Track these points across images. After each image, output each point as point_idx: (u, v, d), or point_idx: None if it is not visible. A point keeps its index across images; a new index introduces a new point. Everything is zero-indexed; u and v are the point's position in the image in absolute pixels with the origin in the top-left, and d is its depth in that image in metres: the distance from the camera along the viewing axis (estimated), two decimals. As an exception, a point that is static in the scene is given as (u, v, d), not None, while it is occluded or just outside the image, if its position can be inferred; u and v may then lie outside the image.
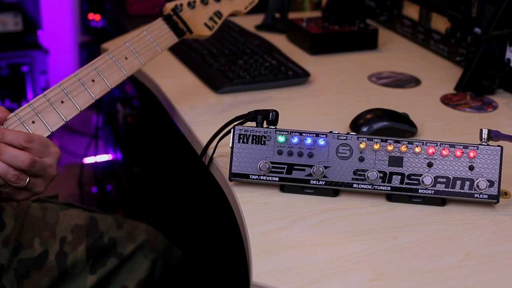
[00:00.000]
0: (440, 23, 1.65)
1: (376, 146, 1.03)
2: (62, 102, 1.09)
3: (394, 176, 1.02)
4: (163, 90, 1.44)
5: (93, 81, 1.13)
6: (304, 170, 1.04)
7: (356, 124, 1.23)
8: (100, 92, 1.14)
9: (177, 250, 1.46)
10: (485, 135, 1.02)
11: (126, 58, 1.19)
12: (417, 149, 1.02)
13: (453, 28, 1.57)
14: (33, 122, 1.05)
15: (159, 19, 1.26)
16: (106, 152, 2.82)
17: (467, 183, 1.01)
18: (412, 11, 1.76)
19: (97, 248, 1.31)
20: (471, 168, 1.01)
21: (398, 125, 1.23)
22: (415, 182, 1.02)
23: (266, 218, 0.99)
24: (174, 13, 1.27)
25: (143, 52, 1.21)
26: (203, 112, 1.34)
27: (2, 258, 1.21)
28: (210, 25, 1.31)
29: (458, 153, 1.01)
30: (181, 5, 1.28)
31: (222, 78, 1.46)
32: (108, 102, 2.65)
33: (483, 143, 1.01)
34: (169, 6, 1.28)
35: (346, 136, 1.04)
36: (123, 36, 1.84)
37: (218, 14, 1.32)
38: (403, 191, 1.02)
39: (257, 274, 0.86)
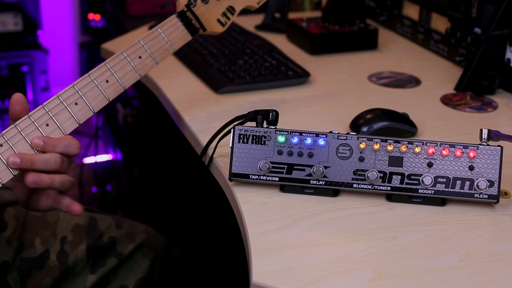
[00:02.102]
0: (440, 23, 1.65)
1: (376, 146, 1.03)
2: (76, 104, 1.05)
3: (394, 176, 1.02)
4: (163, 90, 1.44)
5: (107, 81, 1.09)
6: (304, 170, 1.04)
7: (356, 124, 1.23)
8: (114, 93, 1.10)
9: (175, 250, 1.46)
10: (485, 135, 1.02)
11: (140, 57, 1.15)
12: (417, 149, 1.02)
13: (453, 28, 1.57)
14: (47, 125, 1.02)
15: (173, 16, 1.21)
16: (106, 152, 2.82)
17: (467, 183, 1.01)
18: (412, 11, 1.76)
19: (97, 247, 1.31)
20: (471, 168, 1.01)
21: (398, 125, 1.23)
22: (415, 182, 1.02)
23: (266, 218, 0.99)
24: (188, 8, 1.22)
25: (157, 52, 1.17)
26: (203, 112, 1.34)
27: (6, 255, 1.22)
28: (223, 21, 1.27)
29: (458, 153, 1.01)
30: (195, 0, 1.23)
31: (222, 78, 1.46)
32: (108, 102, 2.65)
33: (483, 143, 1.01)
34: (182, 2, 1.22)
35: (346, 136, 1.04)
36: (123, 36, 1.84)
37: (231, 9, 1.27)
38: (403, 191, 1.02)
39: (257, 274, 0.86)
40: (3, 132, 0.98)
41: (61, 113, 1.04)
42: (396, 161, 1.02)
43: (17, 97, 1.00)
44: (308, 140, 1.04)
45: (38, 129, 1.01)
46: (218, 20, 1.27)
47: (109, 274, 1.32)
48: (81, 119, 1.06)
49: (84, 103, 1.06)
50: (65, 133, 1.04)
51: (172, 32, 1.20)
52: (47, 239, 1.28)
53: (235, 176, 1.06)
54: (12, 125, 0.99)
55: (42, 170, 0.97)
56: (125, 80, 1.12)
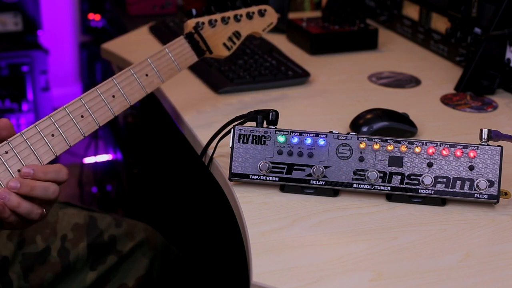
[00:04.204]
0: (440, 23, 1.65)
1: (376, 146, 1.03)
2: (82, 116, 1.07)
3: (394, 176, 1.02)
4: (163, 90, 1.44)
5: (113, 97, 1.12)
6: (304, 170, 1.04)
7: (356, 124, 1.23)
8: (120, 108, 1.13)
9: (175, 249, 1.47)
10: (485, 135, 1.02)
11: (147, 75, 1.18)
12: (417, 149, 1.02)
13: (453, 28, 1.57)
14: (53, 135, 1.04)
15: (181, 37, 1.24)
16: (106, 152, 2.82)
17: (467, 183, 1.01)
18: (412, 11, 1.77)
19: (97, 245, 1.32)
20: (471, 168, 1.01)
21: (398, 125, 1.23)
22: (415, 182, 1.02)
23: (266, 218, 0.99)
24: (196, 31, 1.25)
25: (164, 71, 1.20)
26: (203, 112, 1.34)
27: (7, 251, 1.23)
28: (228, 45, 1.30)
29: (458, 153, 1.01)
30: (203, 23, 1.27)
31: (222, 78, 1.46)
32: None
33: (483, 143, 1.01)
34: (190, 24, 1.26)
35: (346, 136, 1.04)
36: (123, 36, 1.84)
37: (237, 34, 1.30)
38: (403, 191, 1.02)
39: (257, 274, 0.86)
40: (9, 139, 1.00)
41: (67, 124, 1.06)
42: (396, 161, 1.02)
43: (3, 122, 1.01)
44: (308, 140, 1.04)
45: (44, 139, 1.03)
46: (224, 44, 1.30)
47: (108, 272, 1.33)
48: (86, 132, 1.08)
49: (90, 116, 1.09)
50: (70, 145, 1.06)
51: (179, 53, 1.23)
52: (48, 237, 1.29)
53: (235, 176, 1.06)
54: (19, 134, 1.01)
55: (39, 197, 0.97)
56: (132, 97, 1.15)
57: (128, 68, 1.16)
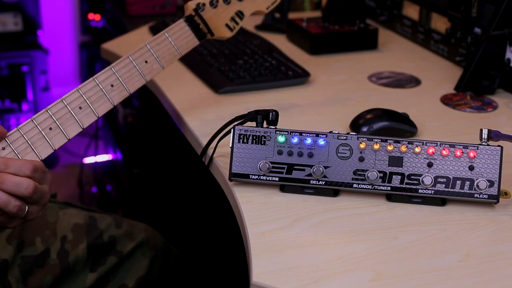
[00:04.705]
0: (440, 23, 1.65)
1: (376, 146, 1.03)
2: (80, 108, 1.04)
3: (394, 176, 1.02)
4: (164, 90, 1.44)
5: (112, 86, 1.08)
6: (304, 170, 1.04)
7: (356, 124, 1.23)
8: (119, 98, 1.10)
9: (175, 249, 1.47)
10: (485, 135, 1.02)
11: (146, 62, 1.14)
12: (417, 149, 1.02)
13: (453, 28, 1.57)
14: (50, 128, 1.01)
15: (180, 20, 1.20)
16: (106, 152, 2.82)
17: (467, 183, 1.01)
18: (412, 11, 1.77)
19: (97, 246, 1.32)
20: (471, 168, 1.01)
21: (398, 125, 1.23)
22: (415, 182, 1.02)
23: (266, 218, 0.99)
24: (196, 13, 1.21)
25: (164, 56, 1.16)
26: (203, 112, 1.34)
27: (6, 254, 1.22)
28: (231, 26, 1.26)
29: (458, 153, 1.01)
30: (204, 4, 1.23)
31: (222, 78, 1.46)
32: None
33: (483, 143, 1.01)
34: (191, 6, 1.22)
35: (346, 136, 1.04)
36: (123, 36, 1.84)
37: (239, 14, 1.26)
38: (403, 191, 1.02)
39: (257, 274, 0.86)
40: (6, 134, 0.99)
41: (65, 117, 1.03)
42: (396, 161, 1.02)
43: None
44: (308, 140, 1.04)
45: (41, 132, 1.00)
46: (227, 25, 1.26)
47: (108, 273, 1.33)
48: (85, 124, 1.05)
49: (88, 107, 1.06)
50: (68, 137, 1.03)
51: (179, 37, 1.19)
52: (47, 238, 1.28)
53: (235, 176, 1.06)
54: (15, 129, 0.99)
55: (12, 192, 0.93)
56: (131, 85, 1.12)
57: (126, 55, 1.12)
